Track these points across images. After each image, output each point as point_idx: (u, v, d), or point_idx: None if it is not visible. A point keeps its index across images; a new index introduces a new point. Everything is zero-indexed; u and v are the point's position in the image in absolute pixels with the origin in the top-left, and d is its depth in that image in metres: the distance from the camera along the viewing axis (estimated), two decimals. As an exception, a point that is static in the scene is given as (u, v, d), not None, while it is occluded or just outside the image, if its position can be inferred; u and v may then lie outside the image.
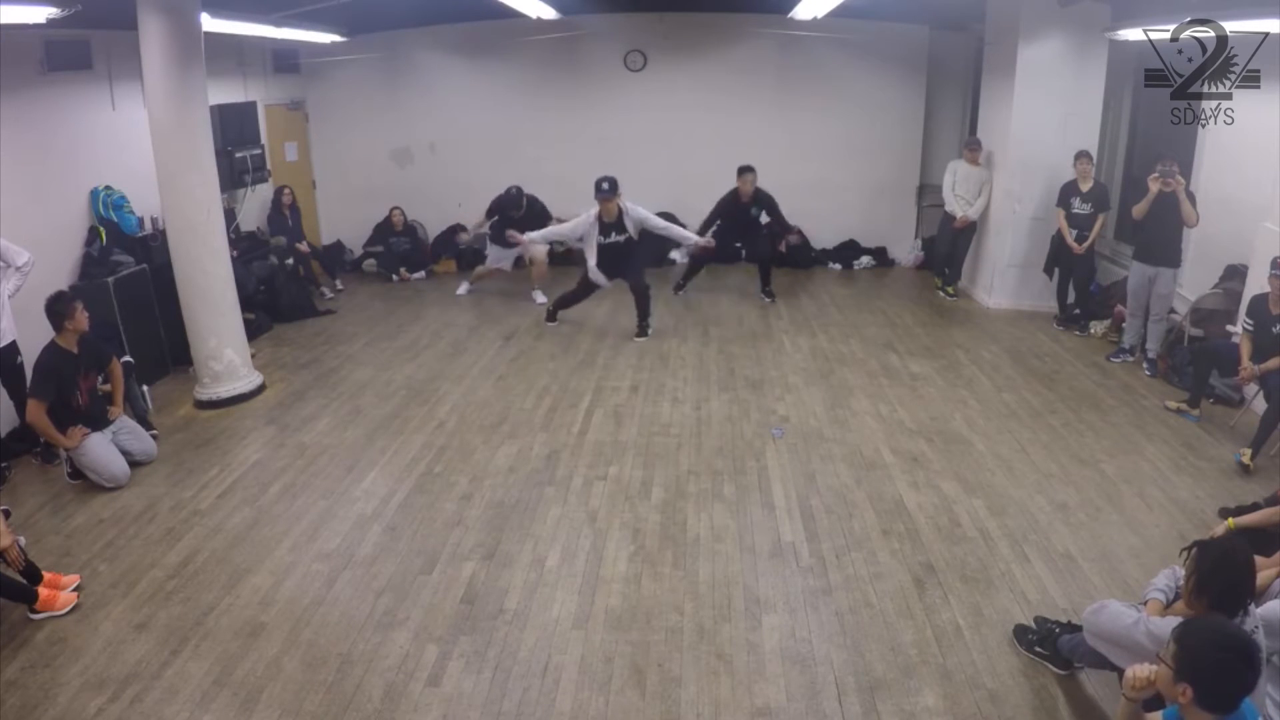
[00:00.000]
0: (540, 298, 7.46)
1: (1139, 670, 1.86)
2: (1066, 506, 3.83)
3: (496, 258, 7.52)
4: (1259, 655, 1.75)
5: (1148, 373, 5.44)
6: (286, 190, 7.61)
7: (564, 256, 8.17)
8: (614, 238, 6.18)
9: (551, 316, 6.78)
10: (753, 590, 3.23)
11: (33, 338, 4.21)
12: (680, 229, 6.60)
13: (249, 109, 7.19)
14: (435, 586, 3.29)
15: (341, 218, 8.92)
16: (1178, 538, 3.41)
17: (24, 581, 3.14)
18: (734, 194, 7.06)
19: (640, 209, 6.25)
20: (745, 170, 7.00)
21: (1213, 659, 1.71)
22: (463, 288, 7.80)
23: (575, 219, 6.33)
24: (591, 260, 6.26)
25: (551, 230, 6.72)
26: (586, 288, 6.50)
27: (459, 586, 3.28)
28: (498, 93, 8.62)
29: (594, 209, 6.12)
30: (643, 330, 6.41)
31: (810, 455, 4.38)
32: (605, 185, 6.05)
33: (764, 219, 7.20)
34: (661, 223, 6.35)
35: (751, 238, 7.43)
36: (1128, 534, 3.59)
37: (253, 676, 2.81)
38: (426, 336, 6.53)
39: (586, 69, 8.60)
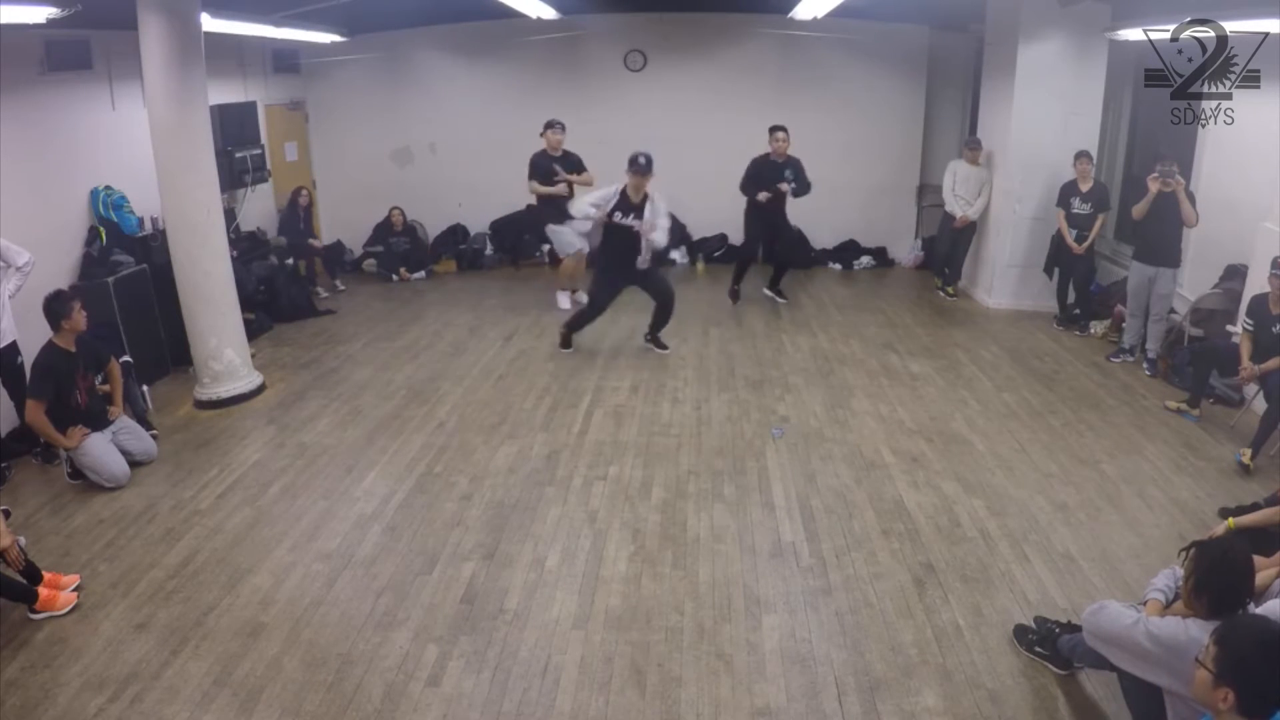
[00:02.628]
0: (565, 301, 7.09)
1: None
2: (1066, 506, 3.83)
3: (566, 242, 6.80)
4: None
5: (1148, 373, 5.44)
6: (304, 192, 7.63)
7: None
8: (630, 220, 5.57)
9: (566, 342, 6.09)
10: (753, 590, 3.23)
11: (33, 338, 4.20)
12: (658, 234, 5.66)
13: (249, 109, 7.19)
14: (435, 586, 3.29)
15: (341, 218, 8.91)
16: (1178, 538, 3.41)
17: (24, 581, 3.14)
18: (765, 156, 6.83)
19: (664, 207, 5.64)
20: (776, 129, 6.77)
21: (1259, 659, 1.62)
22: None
23: (605, 189, 5.67)
24: (592, 233, 5.75)
25: (594, 197, 5.68)
26: (599, 301, 5.91)
27: (459, 586, 3.28)
28: (498, 93, 8.62)
29: (621, 183, 5.58)
30: (660, 342, 6.07)
31: (810, 455, 4.38)
32: (643, 160, 5.47)
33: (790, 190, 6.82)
34: (666, 224, 5.65)
35: (786, 234, 7.17)
36: (1128, 534, 3.59)
37: (253, 676, 2.81)
38: (426, 336, 6.53)
39: (586, 69, 8.61)
